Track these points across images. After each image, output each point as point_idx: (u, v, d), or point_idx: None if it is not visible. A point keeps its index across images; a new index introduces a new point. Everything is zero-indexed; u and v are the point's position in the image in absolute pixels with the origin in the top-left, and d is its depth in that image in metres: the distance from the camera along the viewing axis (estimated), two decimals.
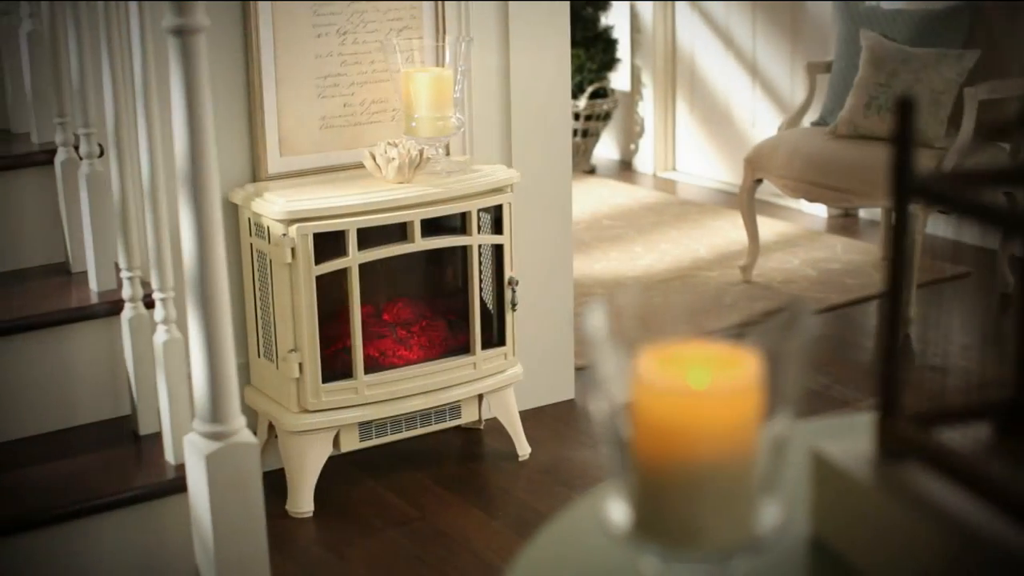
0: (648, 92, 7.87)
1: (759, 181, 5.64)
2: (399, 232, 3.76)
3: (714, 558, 0.99)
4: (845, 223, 6.69)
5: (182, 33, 2.25)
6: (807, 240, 6.35)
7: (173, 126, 2.31)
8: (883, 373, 1.12)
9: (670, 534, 0.99)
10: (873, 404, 1.13)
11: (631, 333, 1.02)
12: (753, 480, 0.99)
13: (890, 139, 1.06)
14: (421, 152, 3.75)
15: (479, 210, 3.84)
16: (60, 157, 3.22)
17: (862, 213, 6.75)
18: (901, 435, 1.11)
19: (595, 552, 1.14)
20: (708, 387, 0.97)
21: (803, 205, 6.78)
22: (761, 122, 7.16)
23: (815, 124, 5.75)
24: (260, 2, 3.74)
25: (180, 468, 2.73)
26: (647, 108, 7.90)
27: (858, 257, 6.06)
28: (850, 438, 1.17)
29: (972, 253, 6.02)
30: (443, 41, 3.92)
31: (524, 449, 4.07)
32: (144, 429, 2.98)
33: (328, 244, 3.62)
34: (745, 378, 0.97)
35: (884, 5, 5.93)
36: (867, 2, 5.85)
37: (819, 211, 6.76)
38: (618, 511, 1.02)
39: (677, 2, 7.66)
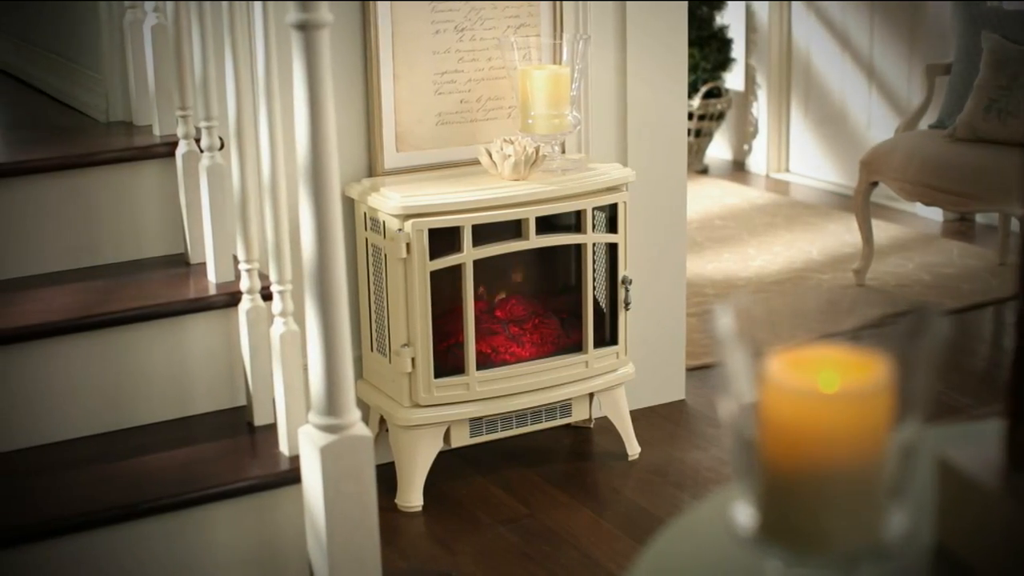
0: (762, 92, 7.82)
1: (874, 184, 5.58)
2: (513, 229, 3.77)
3: (839, 563, 0.99)
4: (961, 227, 6.59)
5: (305, 28, 2.27)
6: (922, 244, 6.28)
7: (295, 120, 2.33)
8: (1013, 381, 1.10)
9: (795, 538, 0.98)
10: (995, 411, 1.11)
11: (757, 334, 1.01)
12: (881, 486, 0.98)
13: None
14: (537, 149, 3.75)
15: (594, 208, 3.83)
16: (181, 150, 3.26)
17: (979, 218, 6.64)
18: None
19: (718, 554, 1.14)
20: (838, 390, 0.96)
21: (918, 208, 6.70)
22: (877, 124, 7.08)
23: (933, 127, 5.68)
24: (380, 1, 3.77)
25: (294, 459, 2.75)
26: (761, 108, 7.84)
27: (974, 262, 5.97)
28: (976, 446, 1.15)
29: None
30: (560, 39, 3.92)
31: (634, 449, 4.07)
32: (259, 420, 3.01)
33: (443, 240, 3.63)
34: (875, 382, 0.96)
35: (1006, 6, 5.84)
36: (989, 3, 5.76)
37: (934, 215, 6.67)
38: (743, 513, 1.02)
39: (793, 2, 7.60)
